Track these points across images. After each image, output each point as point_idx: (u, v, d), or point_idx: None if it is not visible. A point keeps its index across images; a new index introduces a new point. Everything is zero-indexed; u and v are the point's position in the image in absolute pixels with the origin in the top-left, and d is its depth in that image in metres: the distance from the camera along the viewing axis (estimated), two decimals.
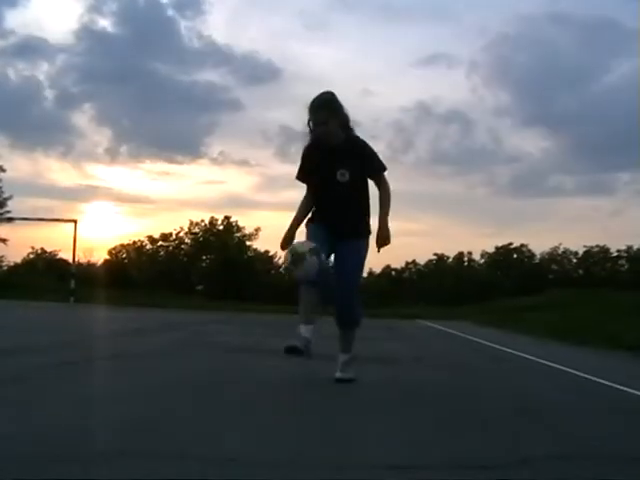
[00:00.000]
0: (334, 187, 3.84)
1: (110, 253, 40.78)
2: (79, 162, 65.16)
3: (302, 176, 4.04)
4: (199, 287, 36.62)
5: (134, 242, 41.04)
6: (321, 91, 3.88)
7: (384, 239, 3.86)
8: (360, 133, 3.99)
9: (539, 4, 62.05)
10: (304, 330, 3.62)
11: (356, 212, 3.91)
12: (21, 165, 57.31)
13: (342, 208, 3.86)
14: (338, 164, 3.82)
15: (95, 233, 49.78)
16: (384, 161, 3.97)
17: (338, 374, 3.90)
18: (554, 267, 47.19)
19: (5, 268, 35.38)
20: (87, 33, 50.68)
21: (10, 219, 26.72)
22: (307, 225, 4.02)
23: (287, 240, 3.97)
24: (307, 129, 3.92)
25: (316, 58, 58.90)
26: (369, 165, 3.92)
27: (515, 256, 46.90)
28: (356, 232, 3.90)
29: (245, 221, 45.83)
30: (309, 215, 4.03)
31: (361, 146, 3.92)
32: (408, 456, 2.18)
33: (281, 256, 40.55)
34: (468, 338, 10.50)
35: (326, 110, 3.80)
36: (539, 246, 50.96)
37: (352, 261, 3.92)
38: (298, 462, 2.02)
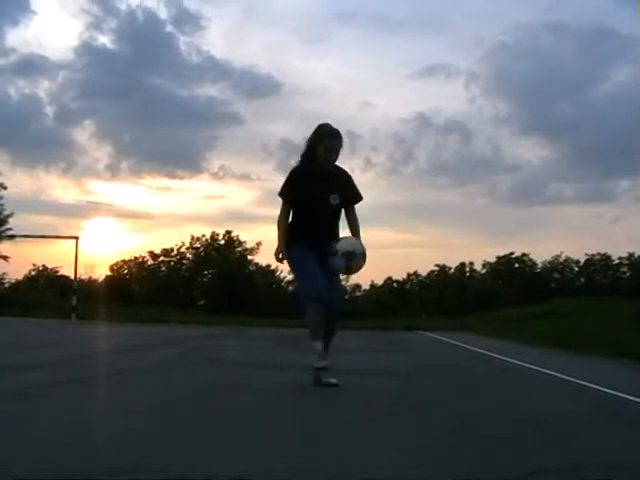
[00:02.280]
0: (325, 210, 4.28)
1: (112, 269, 40.82)
2: (80, 178, 65.49)
3: (288, 194, 4.33)
4: (201, 302, 36.57)
5: (135, 258, 41.10)
6: (323, 122, 4.31)
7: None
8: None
9: (536, 13, 62.64)
10: (319, 346, 4.16)
11: (336, 234, 4.37)
12: (22, 182, 57.63)
13: (329, 230, 4.32)
14: (331, 189, 4.27)
15: (96, 249, 49.94)
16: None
17: (330, 380, 4.16)
18: (556, 276, 47.16)
19: (7, 285, 35.40)
20: (87, 50, 51.16)
21: (11, 236, 26.72)
22: (289, 246, 4.28)
23: (282, 252, 4.30)
24: (307, 148, 4.29)
25: (315, 71, 59.48)
26: (352, 194, 4.42)
27: (517, 265, 46.88)
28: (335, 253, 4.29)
29: (246, 235, 45.93)
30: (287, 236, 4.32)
31: (348, 175, 4.44)
32: (411, 469, 2.15)
33: (282, 270, 40.61)
34: (470, 349, 10.46)
35: (342, 142, 4.27)
36: (540, 255, 51.06)
37: (338, 278, 4.43)
38: (301, 476, 2.01)
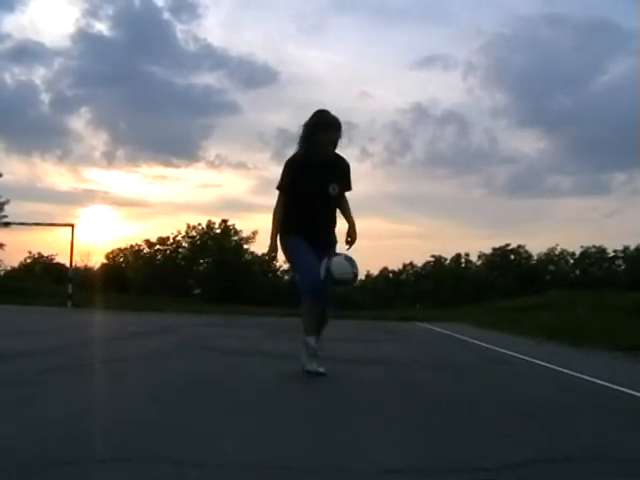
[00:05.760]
0: (324, 200, 4.19)
1: (107, 257, 40.80)
2: (76, 166, 65.29)
3: (287, 186, 4.19)
4: (196, 290, 36.57)
5: (131, 246, 41.01)
6: (322, 109, 4.16)
7: (354, 237, 4.28)
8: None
9: (535, 5, 62.35)
10: (313, 342, 4.11)
11: (333, 224, 4.33)
12: (18, 169, 57.48)
13: (327, 220, 4.27)
14: (330, 178, 4.19)
15: (92, 237, 49.83)
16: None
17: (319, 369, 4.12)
18: (551, 268, 47.25)
19: (2, 273, 35.33)
20: (83, 37, 50.84)
21: (7, 224, 26.60)
22: (285, 236, 4.21)
23: (273, 251, 4.23)
24: (304, 135, 4.13)
25: (312, 61, 59.25)
26: (347, 183, 4.35)
27: (512, 257, 46.94)
28: (332, 242, 4.31)
29: (242, 224, 45.84)
30: (282, 227, 4.22)
31: (347, 165, 4.34)
32: (406, 459, 2.18)
33: (278, 259, 40.68)
34: (465, 340, 10.50)
35: (340, 133, 4.15)
36: (536, 247, 51.12)
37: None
38: (297, 466, 2.03)
